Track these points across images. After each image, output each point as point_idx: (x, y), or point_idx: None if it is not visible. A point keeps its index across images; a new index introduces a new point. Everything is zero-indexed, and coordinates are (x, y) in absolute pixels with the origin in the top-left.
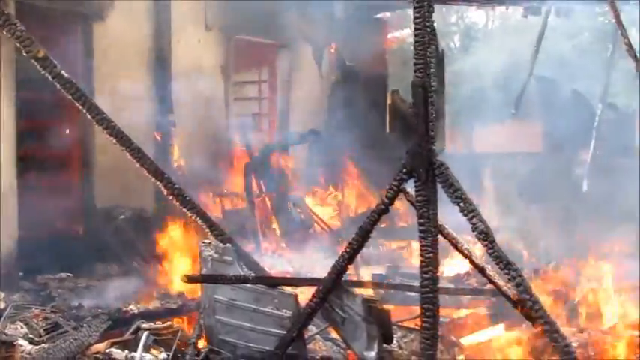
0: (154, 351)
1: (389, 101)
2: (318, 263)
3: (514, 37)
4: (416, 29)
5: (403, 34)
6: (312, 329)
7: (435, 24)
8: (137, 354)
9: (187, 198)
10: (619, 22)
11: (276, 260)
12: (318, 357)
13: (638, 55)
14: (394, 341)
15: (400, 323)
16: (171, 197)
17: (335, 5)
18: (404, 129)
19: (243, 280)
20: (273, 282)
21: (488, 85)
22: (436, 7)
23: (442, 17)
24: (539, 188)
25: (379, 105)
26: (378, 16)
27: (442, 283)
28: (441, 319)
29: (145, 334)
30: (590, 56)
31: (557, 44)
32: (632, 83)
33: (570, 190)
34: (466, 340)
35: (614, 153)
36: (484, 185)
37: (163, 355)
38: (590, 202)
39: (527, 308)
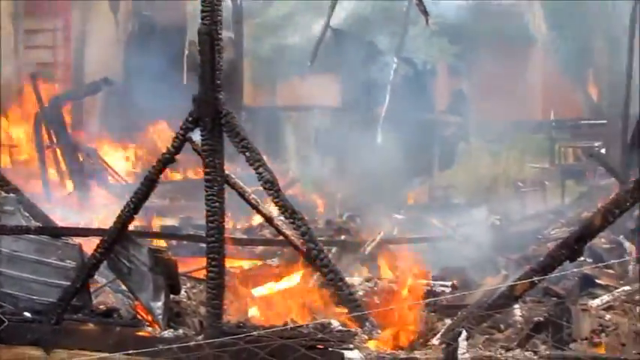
0: None
1: (186, 52)
2: (110, 214)
3: None
4: None
5: None
6: (102, 281)
7: None
8: None
9: None
10: None
11: (67, 211)
12: (104, 308)
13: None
14: (182, 292)
15: (189, 274)
16: None
17: None
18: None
19: (25, 230)
20: (57, 232)
21: (290, 39)
22: None
23: None
24: (336, 141)
25: (177, 55)
26: None
27: (235, 234)
28: (232, 269)
29: None
30: (390, 11)
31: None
32: (430, 40)
33: (366, 144)
34: (257, 291)
35: (409, 107)
36: (284, 137)
37: None
38: (385, 155)
39: (313, 257)
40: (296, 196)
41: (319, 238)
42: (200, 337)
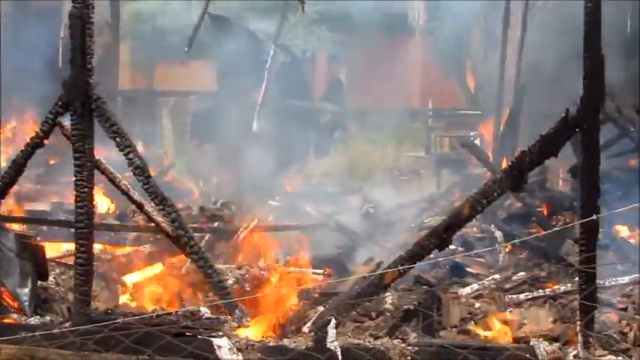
0: None
1: (61, 35)
2: None
3: None
4: None
5: None
6: None
7: None
8: None
9: None
10: None
11: None
12: None
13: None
14: (50, 278)
15: (58, 260)
16: None
17: None
18: None
19: None
20: None
21: (169, 24)
22: None
23: None
24: (213, 125)
25: (54, 38)
26: None
27: (108, 220)
28: (103, 256)
29: None
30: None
31: None
32: (310, 28)
33: (242, 130)
34: (128, 278)
35: (286, 94)
36: (161, 122)
37: None
38: (261, 142)
39: (182, 244)
40: (171, 182)
41: (192, 225)
42: (67, 325)
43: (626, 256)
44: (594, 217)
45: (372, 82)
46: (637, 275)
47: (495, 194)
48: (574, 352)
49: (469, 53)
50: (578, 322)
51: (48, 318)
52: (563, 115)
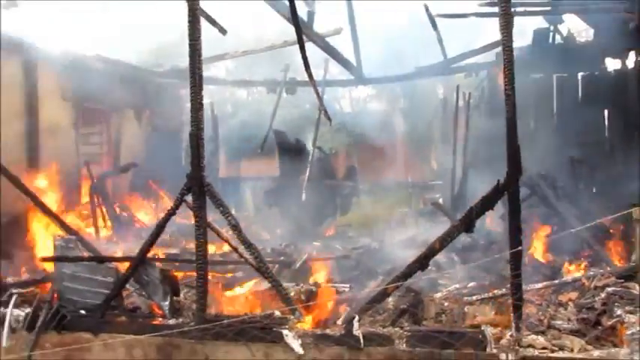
0: (20, 308)
1: (183, 146)
2: (135, 247)
3: (261, 106)
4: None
5: None
6: (130, 289)
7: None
8: (8, 309)
9: (47, 207)
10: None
11: (108, 245)
12: (131, 306)
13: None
14: (181, 294)
15: (185, 283)
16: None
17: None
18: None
19: (81, 258)
20: (101, 259)
21: (250, 134)
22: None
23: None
24: (277, 197)
25: (177, 150)
26: None
27: (215, 258)
28: (213, 279)
29: (15, 296)
30: (310, 117)
31: (289, 111)
32: (334, 134)
33: (296, 199)
34: (229, 293)
35: (322, 177)
36: (246, 196)
37: (27, 310)
38: (307, 206)
39: (262, 271)
40: (252, 233)
41: (267, 259)
42: (192, 324)
43: (538, 270)
44: (518, 248)
45: (374, 167)
46: (547, 282)
47: (455, 234)
48: (510, 333)
49: (433, 144)
50: (512, 314)
51: (180, 320)
52: (496, 184)
